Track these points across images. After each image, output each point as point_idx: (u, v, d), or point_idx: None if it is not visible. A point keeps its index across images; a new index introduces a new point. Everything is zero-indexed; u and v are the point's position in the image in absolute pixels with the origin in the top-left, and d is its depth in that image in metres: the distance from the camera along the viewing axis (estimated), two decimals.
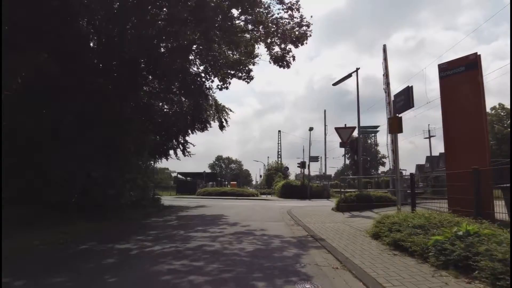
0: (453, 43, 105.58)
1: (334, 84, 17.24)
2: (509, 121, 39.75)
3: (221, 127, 19.22)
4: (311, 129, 26.26)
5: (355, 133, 15.10)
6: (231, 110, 19.34)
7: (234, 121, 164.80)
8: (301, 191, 26.44)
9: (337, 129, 13.59)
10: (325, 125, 28.21)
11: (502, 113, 41.07)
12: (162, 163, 35.20)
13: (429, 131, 45.15)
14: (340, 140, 13.47)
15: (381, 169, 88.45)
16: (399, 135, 10.23)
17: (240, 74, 13.97)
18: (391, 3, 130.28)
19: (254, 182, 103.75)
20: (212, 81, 14.49)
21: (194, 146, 19.10)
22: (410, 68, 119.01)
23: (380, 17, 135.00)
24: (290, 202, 21.95)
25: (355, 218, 9.96)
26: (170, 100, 15.05)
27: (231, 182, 65.44)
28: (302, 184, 26.88)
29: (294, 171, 54.23)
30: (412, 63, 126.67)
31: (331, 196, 26.14)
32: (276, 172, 43.07)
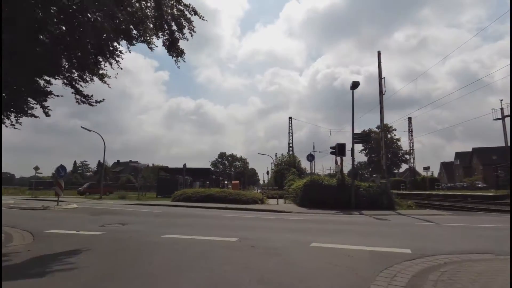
0: (456, 41, 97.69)
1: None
2: None
3: (171, 45, 8.04)
4: (355, 84, 14.63)
5: None
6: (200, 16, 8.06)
7: (239, 121, 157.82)
8: (338, 195, 14.90)
9: None
10: (352, 104, 16.49)
11: None
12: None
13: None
14: None
15: (404, 166, 76.97)
16: None
17: None
18: (391, 0, 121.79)
19: (261, 182, 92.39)
20: None
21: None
22: (413, 66, 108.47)
23: (381, 15, 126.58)
24: (329, 217, 10.62)
25: None
26: None
27: (233, 182, 53.95)
28: (341, 182, 15.25)
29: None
30: (415, 61, 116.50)
31: (398, 205, 14.54)
32: (288, 168, 31.46)
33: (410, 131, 51.03)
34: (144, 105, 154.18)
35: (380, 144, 72.25)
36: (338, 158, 16.43)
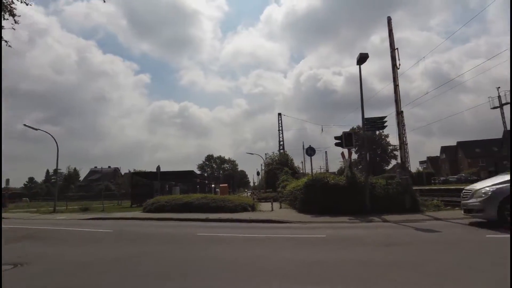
0: (428, 43, 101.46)
1: None
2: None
3: None
4: (363, 57, 11.39)
5: None
6: None
7: (225, 123, 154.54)
8: (349, 196, 11.60)
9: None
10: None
11: None
12: None
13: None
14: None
15: (393, 162, 75.49)
16: None
17: None
18: (366, 4, 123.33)
19: (251, 184, 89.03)
20: None
21: None
22: (390, 68, 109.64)
23: (357, 18, 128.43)
24: (348, 232, 7.28)
25: None
26: None
27: (221, 185, 49.99)
28: (352, 180, 11.92)
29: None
30: (389, 63, 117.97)
31: (424, 206, 11.36)
32: (280, 167, 28.08)
33: (403, 125, 48.92)
34: (125, 109, 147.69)
35: (374, 139, 69.91)
36: (345, 151, 13.13)
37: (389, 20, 12.38)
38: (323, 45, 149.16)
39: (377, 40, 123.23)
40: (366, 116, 11.89)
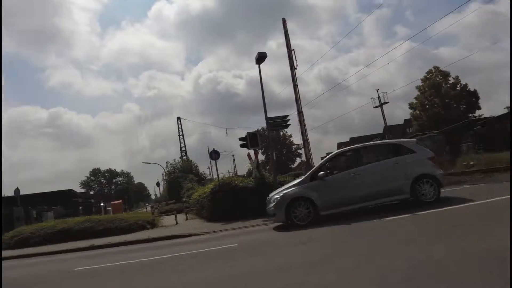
0: (318, 50, 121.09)
1: None
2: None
3: None
4: (261, 56, 11.29)
5: None
6: None
7: (114, 131, 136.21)
8: (259, 198, 11.17)
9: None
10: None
11: (439, 78, 36.45)
12: None
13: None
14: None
15: (298, 160, 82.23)
16: None
17: None
18: (260, 12, 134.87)
19: (153, 196, 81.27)
20: None
21: None
22: (287, 71, 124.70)
23: (254, 24, 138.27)
24: (259, 236, 6.63)
25: None
26: None
27: (112, 203, 43.53)
28: (261, 181, 11.50)
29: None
30: (288, 67, 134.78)
31: None
32: (184, 175, 26.10)
33: (304, 124, 53.88)
34: None
35: (279, 139, 74.33)
36: (252, 152, 12.76)
37: (284, 21, 12.76)
38: (221, 47, 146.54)
39: (274, 45, 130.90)
40: (268, 116, 11.84)
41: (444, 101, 34.15)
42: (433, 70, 37.19)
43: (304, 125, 11.77)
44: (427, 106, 37.24)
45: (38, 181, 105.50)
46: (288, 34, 12.33)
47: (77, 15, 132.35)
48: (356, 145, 8.91)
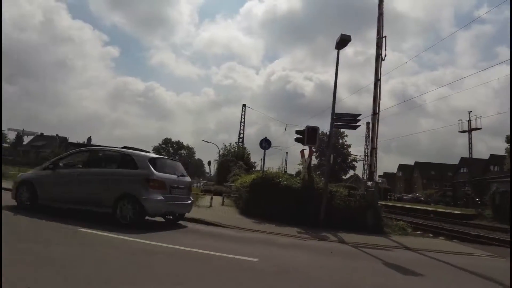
0: (396, 64, 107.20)
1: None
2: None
3: None
4: (344, 40, 9.26)
5: None
6: None
7: (190, 110, 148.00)
8: (302, 203, 9.47)
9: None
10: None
11: None
12: None
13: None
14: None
15: (351, 172, 76.73)
16: None
17: None
18: (344, 16, 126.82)
19: (208, 174, 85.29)
20: None
21: None
22: (358, 80, 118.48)
23: (336, 29, 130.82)
24: (286, 255, 4.88)
25: None
26: None
27: None
28: (309, 184, 9.78)
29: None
30: (361, 76, 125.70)
31: (388, 228, 9.58)
32: (235, 160, 25.50)
33: (367, 136, 48.92)
34: (86, 80, 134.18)
35: (336, 147, 70.15)
36: (306, 149, 11.01)
37: (380, 2, 10.39)
38: (299, 48, 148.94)
39: (350, 52, 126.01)
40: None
41: None
42: None
43: (378, 130, 9.48)
44: None
45: (125, 138, 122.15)
46: (382, 17, 10.03)
47: (183, 6, 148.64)
48: (96, 147, 8.89)
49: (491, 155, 47.86)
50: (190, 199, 8.02)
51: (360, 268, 5.14)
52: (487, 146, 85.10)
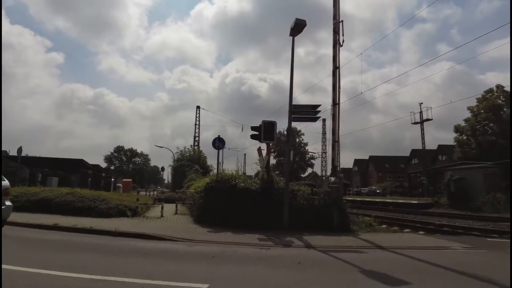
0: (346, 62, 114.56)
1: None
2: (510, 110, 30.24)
3: None
4: (299, 24, 8.60)
5: None
6: None
7: (144, 115, 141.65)
8: (263, 206, 8.56)
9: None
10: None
11: (501, 99, 31.45)
12: None
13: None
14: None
15: (309, 170, 78.41)
16: None
17: None
18: (292, 16, 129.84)
19: (166, 181, 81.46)
20: None
21: None
22: (310, 79, 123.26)
23: (286, 28, 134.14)
24: (241, 270, 3.85)
25: None
26: None
27: (124, 180, 42.93)
28: (268, 184, 8.91)
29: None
30: (312, 75, 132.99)
31: (355, 225, 9.08)
32: (190, 164, 23.85)
33: (324, 133, 49.83)
34: (30, 88, 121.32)
35: (294, 146, 70.92)
36: (263, 147, 10.17)
37: None
38: (252, 50, 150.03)
39: (302, 52, 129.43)
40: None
41: (503, 128, 29.31)
42: (494, 89, 32.19)
43: (339, 121, 8.93)
44: (479, 132, 32.49)
45: (74, 149, 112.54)
46: (338, 2, 9.52)
47: (131, 9, 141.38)
48: None
49: (439, 145, 51.55)
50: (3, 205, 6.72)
51: (336, 284, 4.26)
52: (433, 137, 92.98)
